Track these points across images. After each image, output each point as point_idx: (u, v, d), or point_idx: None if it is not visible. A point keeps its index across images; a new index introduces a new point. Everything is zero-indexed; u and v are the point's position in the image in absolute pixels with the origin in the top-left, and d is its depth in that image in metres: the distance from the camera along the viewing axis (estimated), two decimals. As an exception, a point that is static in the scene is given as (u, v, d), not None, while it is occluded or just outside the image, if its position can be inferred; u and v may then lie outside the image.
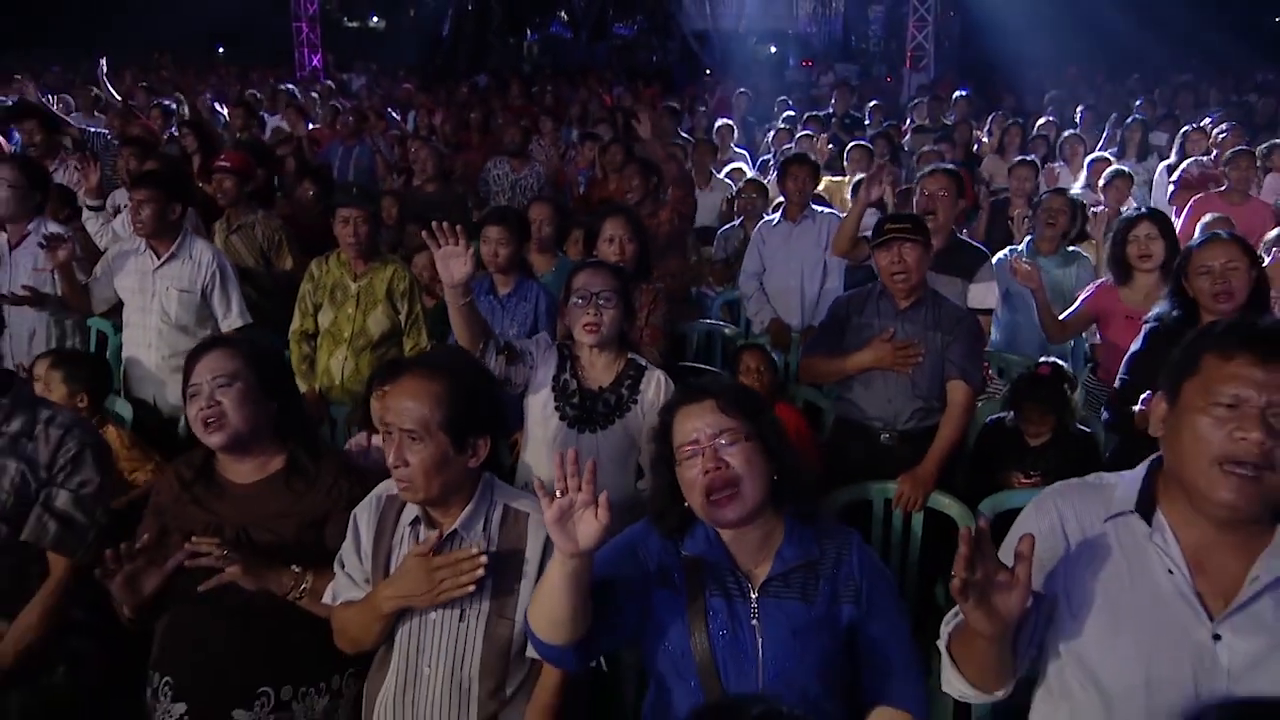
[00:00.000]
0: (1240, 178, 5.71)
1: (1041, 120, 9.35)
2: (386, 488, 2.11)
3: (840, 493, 3.25)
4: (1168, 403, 1.55)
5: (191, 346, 3.87)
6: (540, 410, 2.86)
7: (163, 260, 4.08)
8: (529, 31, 23.90)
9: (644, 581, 1.91)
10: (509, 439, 3.26)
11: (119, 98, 8.97)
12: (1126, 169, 6.29)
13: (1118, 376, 3.25)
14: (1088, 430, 3.60)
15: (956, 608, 1.61)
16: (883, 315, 3.42)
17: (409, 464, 1.95)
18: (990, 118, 9.70)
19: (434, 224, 2.71)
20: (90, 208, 5.25)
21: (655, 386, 2.85)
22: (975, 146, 9.00)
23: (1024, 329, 4.46)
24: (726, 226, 6.10)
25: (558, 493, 1.69)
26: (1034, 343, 4.39)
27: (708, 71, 17.94)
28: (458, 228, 2.70)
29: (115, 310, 4.40)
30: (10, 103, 9.48)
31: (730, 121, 9.10)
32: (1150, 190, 7.49)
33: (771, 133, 9.31)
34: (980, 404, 3.77)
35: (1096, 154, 7.13)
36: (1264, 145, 6.62)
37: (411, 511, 2.07)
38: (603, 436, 2.81)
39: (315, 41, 17.66)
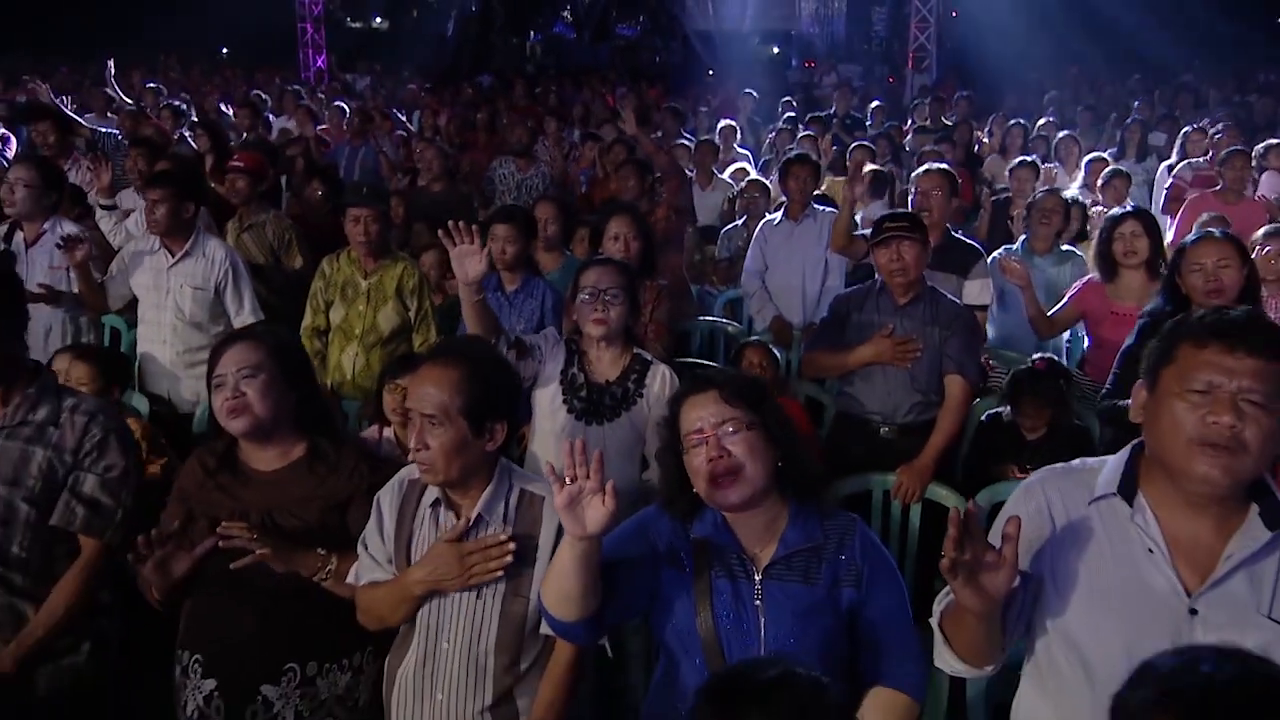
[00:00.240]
0: (1235, 178, 5.79)
1: (1041, 121, 9.43)
2: (409, 472, 2.20)
3: (841, 484, 3.33)
4: (1147, 390, 1.64)
5: (205, 342, 4.08)
6: (548, 403, 2.94)
7: (177, 258, 4.16)
8: (532, 32, 24.00)
9: (653, 561, 1.99)
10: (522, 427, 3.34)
11: (129, 101, 9.08)
12: (1123, 169, 6.37)
13: (1111, 370, 3.34)
14: (1083, 425, 3.69)
15: (948, 587, 1.70)
16: (882, 311, 3.51)
17: (429, 447, 2.04)
18: (991, 118, 9.78)
19: (450, 223, 2.80)
20: (103, 207, 5.34)
21: (661, 381, 2.93)
22: (976, 147, 9.09)
23: (1019, 327, 4.54)
24: (730, 226, 6.17)
25: (567, 480, 1.77)
26: (1030, 340, 4.47)
27: (710, 72, 18.01)
28: (474, 227, 2.79)
29: (129, 307, 4.49)
30: (21, 102, 9.63)
31: (733, 122, 9.18)
32: (1150, 190, 7.57)
33: (773, 133, 9.40)
34: (977, 401, 3.86)
35: (1094, 154, 7.21)
36: (1261, 145, 6.68)
37: (432, 494, 2.15)
38: (609, 429, 2.89)
39: (320, 42, 17.71)
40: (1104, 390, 3.36)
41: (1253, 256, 3.53)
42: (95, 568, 2.39)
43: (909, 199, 4.72)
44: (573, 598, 1.86)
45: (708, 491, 1.89)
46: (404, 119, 10.86)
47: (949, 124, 9.44)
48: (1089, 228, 5.14)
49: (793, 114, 10.46)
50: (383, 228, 4.16)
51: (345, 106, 9.75)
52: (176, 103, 9.10)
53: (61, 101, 7.30)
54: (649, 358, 3.00)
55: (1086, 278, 4.22)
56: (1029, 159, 6.64)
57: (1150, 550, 1.63)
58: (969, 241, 4.52)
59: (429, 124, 9.92)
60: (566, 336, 3.07)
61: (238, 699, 2.22)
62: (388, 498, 2.21)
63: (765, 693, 1.30)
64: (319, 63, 17.61)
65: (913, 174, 4.74)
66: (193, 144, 7.28)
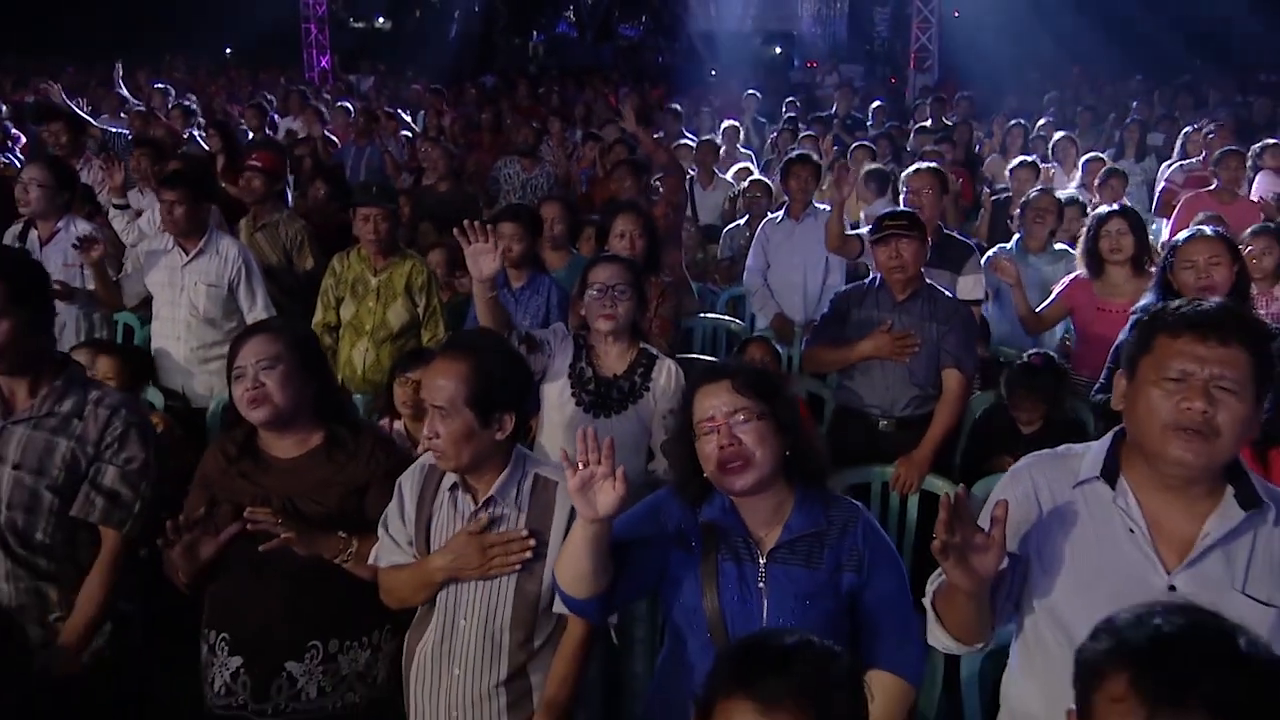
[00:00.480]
0: (1230, 177, 5.88)
1: (1041, 121, 9.50)
2: (429, 458, 2.29)
3: (841, 476, 3.40)
4: (1127, 379, 1.73)
5: (218, 338, 4.17)
6: (557, 396, 3.02)
7: (191, 256, 4.24)
8: (535, 32, 24.04)
9: (663, 542, 2.08)
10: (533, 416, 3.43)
11: (139, 102, 9.17)
12: (1120, 168, 6.44)
13: (1105, 365, 3.42)
14: (1078, 419, 3.77)
15: (940, 569, 1.78)
16: (881, 307, 3.59)
17: (440, 436, 2.13)
18: (992, 119, 9.85)
19: (465, 222, 2.89)
20: (117, 206, 5.43)
21: (666, 375, 3.01)
22: (977, 147, 9.16)
23: (1017, 324, 4.62)
24: (732, 225, 6.23)
25: (579, 465, 1.86)
26: (1025, 337, 4.56)
27: (712, 72, 18.06)
28: (489, 227, 2.88)
29: (142, 304, 4.57)
30: (30, 102, 9.73)
31: (736, 123, 9.25)
32: (1150, 190, 7.63)
33: (775, 133, 9.47)
34: (976, 394, 3.95)
35: (1091, 154, 7.28)
36: (1257, 145, 6.76)
37: (450, 478, 2.25)
38: (616, 421, 2.97)
39: (325, 43, 17.75)
40: (1098, 384, 3.44)
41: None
42: (118, 559, 2.45)
43: (900, 198, 4.81)
44: (585, 576, 1.95)
45: (716, 477, 1.98)
46: (408, 119, 10.93)
47: (950, 124, 9.52)
48: (1088, 227, 5.23)
49: (793, 115, 10.53)
50: (392, 226, 4.25)
51: (350, 107, 9.82)
52: (187, 102, 9.18)
53: (77, 103, 7.40)
54: (655, 352, 3.08)
55: (1074, 274, 4.31)
56: (1029, 159, 6.72)
57: (1131, 531, 1.72)
58: (961, 238, 4.60)
59: (433, 124, 9.99)
60: (574, 331, 3.15)
61: (263, 675, 2.33)
62: (408, 482, 2.30)
63: (783, 658, 1.37)
64: (323, 63, 17.64)
65: (903, 173, 4.82)
66: (203, 144, 7.37)
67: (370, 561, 2.29)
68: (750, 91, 11.43)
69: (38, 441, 2.39)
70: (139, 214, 5.49)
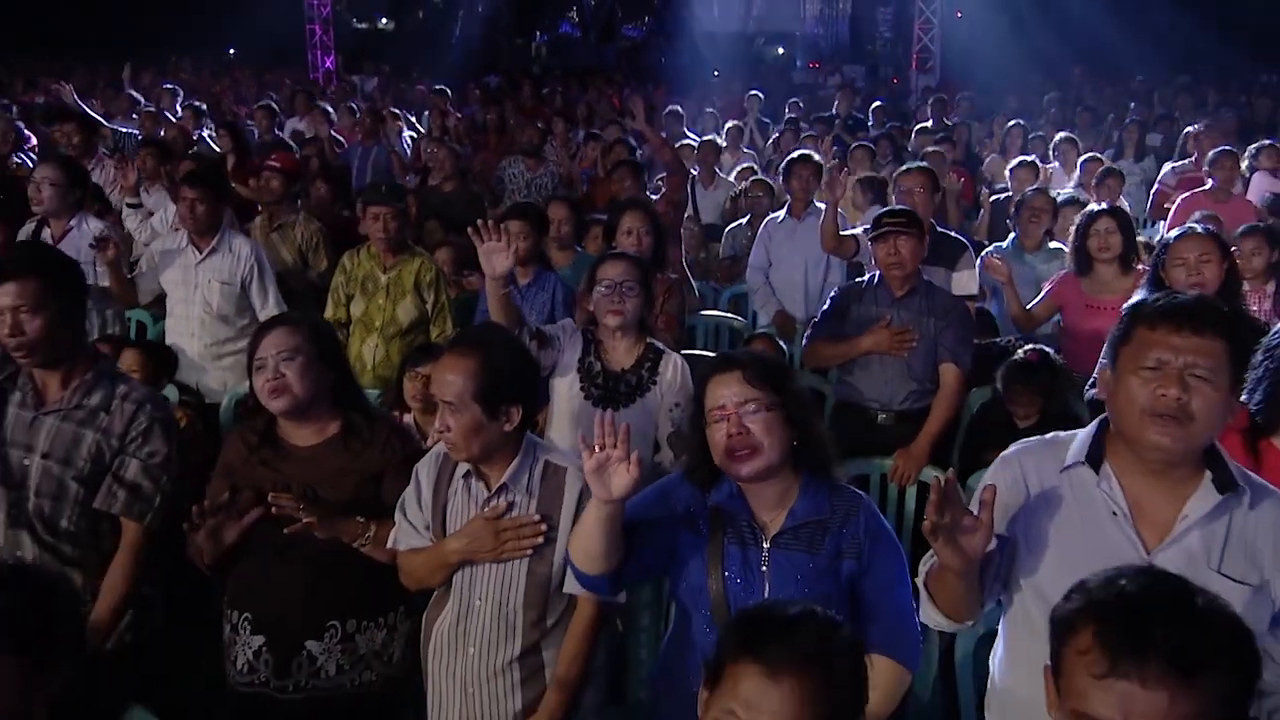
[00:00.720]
0: (1225, 177, 5.96)
1: (1041, 121, 9.57)
2: (443, 447, 2.37)
3: (841, 468, 3.49)
4: (1110, 368, 1.82)
5: (231, 335, 4.27)
6: (566, 390, 3.11)
7: (204, 254, 4.32)
8: (538, 32, 24.11)
9: (672, 524, 2.17)
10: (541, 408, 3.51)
11: (150, 104, 9.27)
12: (1117, 167, 6.52)
13: (1099, 360, 3.49)
14: (1073, 413, 3.84)
15: (932, 550, 1.87)
16: (880, 303, 3.68)
17: (450, 429, 2.23)
18: (993, 119, 9.92)
19: (479, 221, 2.98)
20: (130, 205, 5.52)
21: (673, 369, 3.10)
22: (978, 147, 9.23)
23: (1007, 321, 4.70)
24: (733, 225, 6.29)
25: (596, 448, 1.95)
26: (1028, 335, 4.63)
27: (715, 73, 18.13)
28: (502, 225, 2.97)
29: (156, 301, 4.67)
30: (40, 103, 9.82)
31: (739, 123, 9.32)
32: (1149, 190, 7.69)
33: (778, 134, 9.54)
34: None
35: (1089, 154, 7.36)
36: (1253, 145, 6.83)
37: (464, 466, 2.34)
38: (624, 414, 3.01)
39: (329, 44, 17.80)
40: (1092, 379, 3.52)
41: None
42: (139, 551, 2.53)
43: (892, 197, 4.89)
44: (596, 555, 2.04)
45: (724, 463, 2.06)
46: (413, 119, 11.00)
47: (951, 125, 9.59)
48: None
49: (794, 115, 10.60)
50: (401, 225, 4.34)
51: (355, 107, 9.90)
52: (197, 102, 9.27)
53: (90, 105, 7.49)
54: (661, 347, 3.16)
55: (1062, 271, 4.40)
56: (1029, 159, 6.79)
57: (1114, 513, 1.81)
58: (954, 235, 4.68)
59: (437, 124, 10.06)
60: (582, 327, 3.24)
61: (284, 653, 2.43)
62: (425, 469, 2.40)
63: (788, 626, 1.45)
64: (327, 64, 17.70)
65: (894, 173, 4.90)
66: (213, 145, 7.46)
67: (389, 545, 2.39)
68: (753, 92, 11.49)
69: (66, 433, 2.48)
70: (150, 213, 5.58)
